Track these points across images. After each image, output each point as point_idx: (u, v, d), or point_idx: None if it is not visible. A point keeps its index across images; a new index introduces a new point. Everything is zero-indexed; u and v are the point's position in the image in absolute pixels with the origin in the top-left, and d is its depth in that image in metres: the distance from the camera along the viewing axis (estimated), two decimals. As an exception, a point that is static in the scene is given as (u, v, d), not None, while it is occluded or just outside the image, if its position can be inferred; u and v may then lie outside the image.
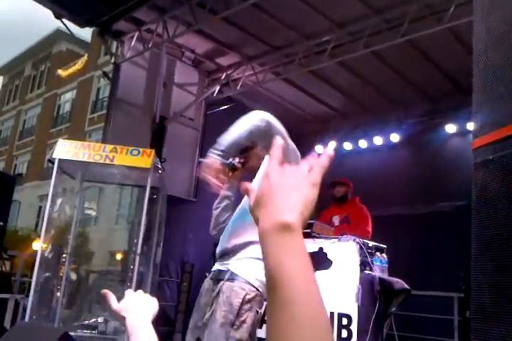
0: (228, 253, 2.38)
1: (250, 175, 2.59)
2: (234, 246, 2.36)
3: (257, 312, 2.25)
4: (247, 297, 2.22)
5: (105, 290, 1.17)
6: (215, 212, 2.62)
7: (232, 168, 2.57)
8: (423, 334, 5.70)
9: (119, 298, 1.16)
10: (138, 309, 1.11)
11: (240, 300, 2.20)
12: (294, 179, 0.67)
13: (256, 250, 2.29)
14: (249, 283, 2.26)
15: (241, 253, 2.34)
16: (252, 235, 2.31)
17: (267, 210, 0.63)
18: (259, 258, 2.26)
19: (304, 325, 0.52)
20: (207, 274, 2.49)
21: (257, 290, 2.26)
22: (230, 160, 2.54)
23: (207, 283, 2.45)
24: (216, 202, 2.62)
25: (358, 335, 3.73)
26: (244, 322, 2.19)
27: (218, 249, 2.47)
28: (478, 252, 1.91)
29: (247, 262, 2.31)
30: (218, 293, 2.27)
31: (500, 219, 1.80)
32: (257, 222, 0.65)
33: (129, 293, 1.19)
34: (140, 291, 1.21)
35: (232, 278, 2.28)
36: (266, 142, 2.45)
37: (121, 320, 1.10)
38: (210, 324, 2.21)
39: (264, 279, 2.22)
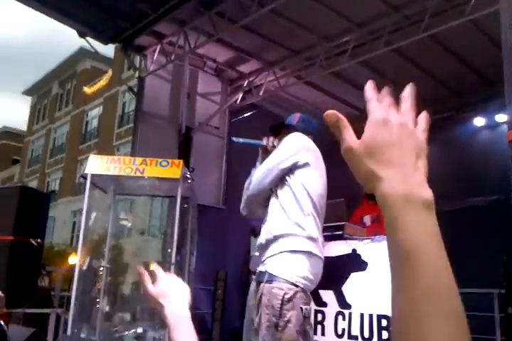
0: (263, 248, 2.38)
1: None
2: (266, 241, 2.36)
3: (301, 308, 2.19)
4: (286, 296, 2.17)
5: (141, 270, 1.11)
6: (245, 191, 2.58)
7: (265, 150, 2.59)
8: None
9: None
10: (175, 296, 1.07)
11: (280, 301, 2.15)
12: (415, 137, 0.60)
13: (287, 242, 2.28)
14: (287, 282, 2.20)
15: (273, 247, 2.31)
16: (281, 228, 2.30)
17: (398, 173, 0.57)
18: (292, 250, 2.25)
19: (437, 296, 0.51)
20: (253, 276, 2.50)
21: (296, 286, 2.20)
22: (264, 141, 2.58)
23: (252, 285, 2.43)
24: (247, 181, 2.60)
25: (398, 336, 3.67)
26: (288, 322, 2.14)
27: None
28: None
29: (281, 258, 2.27)
30: (261, 296, 2.23)
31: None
32: (362, 173, 0.59)
33: (163, 275, 1.12)
34: (172, 275, 1.16)
35: (271, 279, 2.23)
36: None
37: (159, 306, 1.05)
38: (259, 328, 2.19)
39: (302, 272, 2.21)
